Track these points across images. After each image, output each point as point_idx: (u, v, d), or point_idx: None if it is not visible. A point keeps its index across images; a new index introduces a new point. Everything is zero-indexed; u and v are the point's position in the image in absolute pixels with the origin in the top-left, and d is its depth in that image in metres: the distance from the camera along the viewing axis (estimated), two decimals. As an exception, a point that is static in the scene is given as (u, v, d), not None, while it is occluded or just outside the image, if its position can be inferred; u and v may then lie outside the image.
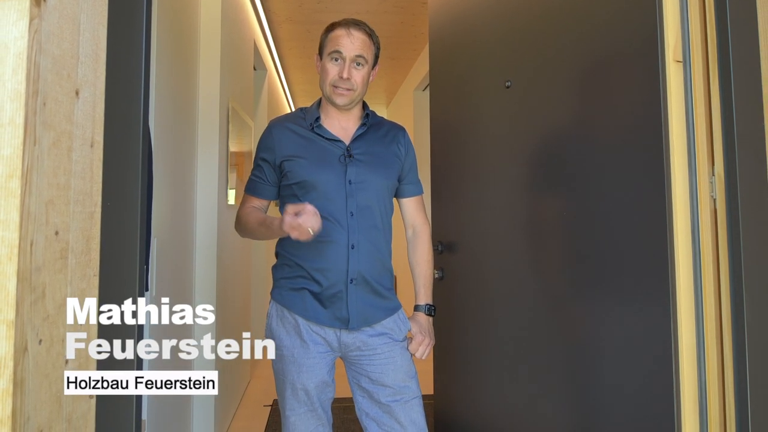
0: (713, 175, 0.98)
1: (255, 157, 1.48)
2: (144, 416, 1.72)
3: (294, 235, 1.20)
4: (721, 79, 0.95)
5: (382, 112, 7.55)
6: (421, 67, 4.88)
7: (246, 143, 3.23)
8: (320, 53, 1.44)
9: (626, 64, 1.11)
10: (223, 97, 2.56)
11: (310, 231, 1.20)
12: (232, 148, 2.78)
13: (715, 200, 0.97)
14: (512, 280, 1.52)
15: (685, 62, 1.03)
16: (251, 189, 1.47)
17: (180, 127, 2.12)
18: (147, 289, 1.62)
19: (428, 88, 5.16)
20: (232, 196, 2.77)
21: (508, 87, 1.51)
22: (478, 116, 1.71)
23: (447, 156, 1.94)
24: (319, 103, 1.48)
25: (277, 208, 1.50)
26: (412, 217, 1.55)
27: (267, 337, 1.43)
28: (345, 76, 1.36)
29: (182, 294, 2.17)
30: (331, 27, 1.41)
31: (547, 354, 1.36)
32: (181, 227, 2.15)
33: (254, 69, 4.22)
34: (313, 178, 1.36)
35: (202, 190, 2.41)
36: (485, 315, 1.66)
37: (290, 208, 1.21)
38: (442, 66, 2.01)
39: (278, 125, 1.44)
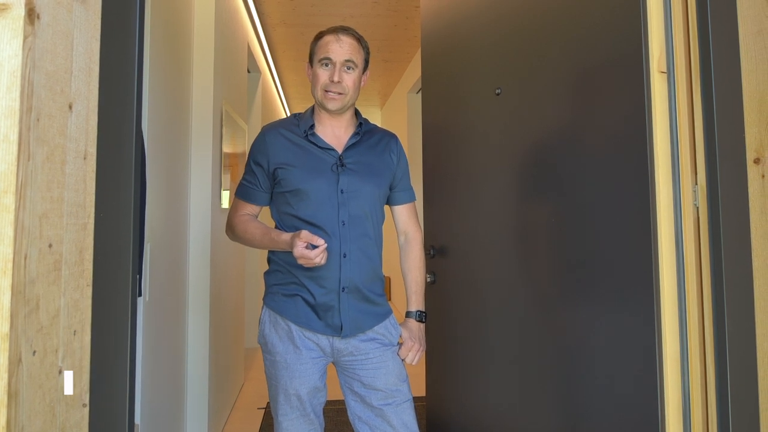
0: (696, 184, 1.00)
1: (247, 163, 1.48)
2: (137, 421, 1.72)
3: (300, 261, 1.26)
4: (703, 91, 0.97)
5: (376, 114, 7.57)
6: (414, 70, 4.90)
7: (240, 145, 3.24)
8: (310, 61, 1.45)
9: (612, 75, 1.13)
10: (217, 100, 2.56)
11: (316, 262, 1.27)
12: (226, 150, 2.79)
13: (698, 209, 0.99)
14: (503, 284, 1.54)
15: (669, 73, 1.05)
16: (244, 194, 1.48)
17: (173, 131, 2.12)
18: (140, 295, 1.63)
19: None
20: (225, 199, 2.78)
21: (498, 94, 1.53)
22: (469, 122, 1.73)
23: (439, 161, 1.96)
24: (312, 110, 1.49)
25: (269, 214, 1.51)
26: (405, 224, 1.57)
27: (260, 343, 1.45)
28: (336, 79, 1.38)
29: (176, 299, 2.18)
30: (320, 35, 1.43)
31: (536, 357, 1.38)
32: (175, 231, 2.16)
33: (248, 71, 4.23)
34: (306, 187, 1.37)
35: (195, 193, 2.42)
36: (476, 318, 1.68)
37: (305, 236, 1.26)
38: (434, 72, 2.03)
39: (272, 131, 1.45)
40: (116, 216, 0.81)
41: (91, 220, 0.77)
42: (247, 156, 1.51)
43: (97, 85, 0.79)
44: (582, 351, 1.22)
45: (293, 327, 1.38)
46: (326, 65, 1.40)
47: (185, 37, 2.31)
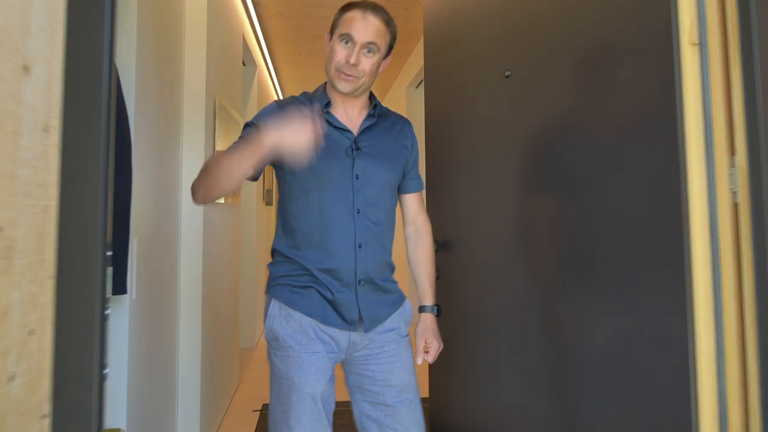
0: (733, 166, 0.90)
1: (248, 126, 1.29)
2: (122, 426, 1.62)
3: (289, 148, 1.04)
4: (743, 63, 0.88)
5: (374, 110, 7.45)
6: (413, 64, 4.80)
7: (235, 138, 3.14)
8: (331, 32, 1.32)
9: (637, 49, 1.04)
10: (209, 92, 2.46)
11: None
12: (220, 145, 2.68)
13: (735, 193, 0.90)
14: (511, 280, 1.44)
15: (702, 45, 0.95)
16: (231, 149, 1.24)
17: (163, 122, 2.02)
18: (125, 292, 1.53)
19: (421, 85, 5.08)
20: (219, 195, 2.67)
21: (507, 77, 1.43)
22: (475, 109, 1.63)
23: (443, 151, 1.87)
24: (325, 87, 1.37)
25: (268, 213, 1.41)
26: (415, 214, 1.47)
27: (267, 340, 1.31)
28: (352, 61, 1.25)
29: (166, 297, 2.07)
30: (348, 7, 1.29)
31: (548, 358, 1.29)
32: (165, 226, 2.05)
33: (243, 65, 4.13)
34: (320, 169, 1.25)
35: (187, 186, 2.31)
36: (482, 316, 1.58)
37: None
38: (437, 58, 1.93)
39: (287, 105, 1.31)
40: (86, 199, 0.71)
41: (55, 203, 0.67)
42: (246, 123, 1.31)
43: (61, 48, 0.69)
44: (600, 352, 1.12)
45: (307, 320, 1.27)
46: (346, 42, 1.26)
47: (176, 27, 2.21)
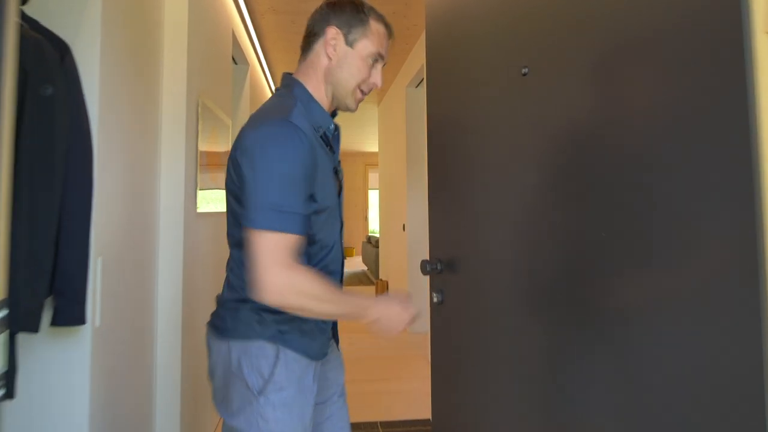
0: (826, 187, 0.71)
1: (293, 176, 1.01)
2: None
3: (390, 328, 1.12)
4: None
5: (373, 110, 7.28)
6: (414, 62, 4.60)
7: (223, 143, 2.94)
8: (350, 36, 1.14)
9: (695, 39, 0.84)
10: (192, 92, 2.26)
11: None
12: (203, 147, 2.48)
13: (830, 222, 0.70)
14: (526, 307, 1.24)
15: (781, 34, 0.76)
16: (301, 226, 1.02)
17: (137, 125, 1.82)
18: (84, 322, 1.33)
19: (422, 84, 4.88)
20: (201, 201, 2.46)
21: (524, 75, 1.24)
22: (486, 112, 1.44)
23: (448, 160, 1.67)
24: (311, 97, 1.14)
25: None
26: None
27: (268, 392, 1.07)
28: (381, 85, 1.19)
29: (139, 326, 1.86)
30: (377, 17, 1.18)
31: (567, 389, 1.09)
32: (139, 241, 1.85)
33: (234, 63, 3.93)
34: (332, 203, 1.16)
35: (165, 196, 2.11)
36: (491, 340, 1.39)
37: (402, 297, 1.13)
38: (440, 54, 1.73)
39: (307, 127, 1.08)
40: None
41: None
42: (275, 166, 1.01)
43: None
44: (637, 382, 0.92)
45: (307, 362, 1.14)
46: (375, 61, 1.19)
47: (153, 21, 2.01)
